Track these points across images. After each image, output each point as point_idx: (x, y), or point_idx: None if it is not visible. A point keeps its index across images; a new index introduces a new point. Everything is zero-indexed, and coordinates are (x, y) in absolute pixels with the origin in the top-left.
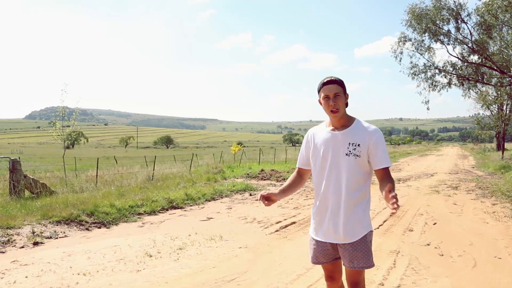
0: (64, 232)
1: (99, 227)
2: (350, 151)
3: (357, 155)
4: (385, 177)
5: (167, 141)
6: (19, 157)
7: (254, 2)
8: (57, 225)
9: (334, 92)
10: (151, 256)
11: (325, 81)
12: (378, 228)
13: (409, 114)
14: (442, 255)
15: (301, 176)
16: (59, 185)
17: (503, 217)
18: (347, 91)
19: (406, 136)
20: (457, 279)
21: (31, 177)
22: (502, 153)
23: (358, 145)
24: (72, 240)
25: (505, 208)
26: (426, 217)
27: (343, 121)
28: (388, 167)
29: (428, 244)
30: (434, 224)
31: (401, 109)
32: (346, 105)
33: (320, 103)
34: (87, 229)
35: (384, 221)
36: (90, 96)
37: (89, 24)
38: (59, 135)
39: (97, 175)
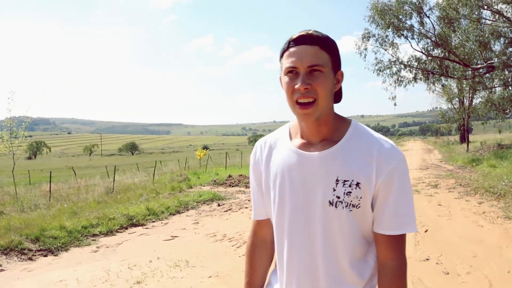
0: (0, 265)
1: (45, 255)
2: (338, 197)
3: (353, 205)
4: (394, 264)
5: (132, 148)
6: None
7: (214, 6)
8: None
9: (308, 63)
10: None
11: (295, 36)
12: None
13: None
14: (448, 274)
15: (264, 239)
16: (8, 203)
17: (496, 219)
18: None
19: None
20: None
21: None
22: (467, 146)
23: (357, 184)
24: (9, 275)
25: (493, 207)
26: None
27: (325, 129)
28: (404, 235)
29: (428, 259)
30: (426, 231)
31: (363, 106)
32: (338, 96)
33: (282, 85)
34: (30, 258)
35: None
36: (53, 104)
37: (51, 31)
38: (7, 147)
39: (50, 190)
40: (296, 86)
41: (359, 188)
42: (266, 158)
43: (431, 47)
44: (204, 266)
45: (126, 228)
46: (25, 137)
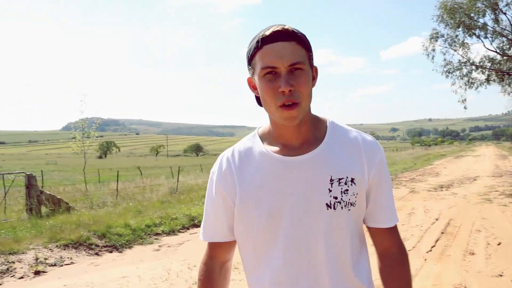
0: (70, 258)
1: (111, 251)
2: (335, 198)
3: (351, 204)
4: (395, 252)
5: (197, 149)
6: (41, 171)
7: (279, 9)
8: (65, 249)
9: (289, 61)
10: None
11: (268, 32)
12: (430, 250)
13: (438, 114)
14: None
15: (225, 266)
16: (79, 199)
17: None
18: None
19: (436, 137)
20: None
21: (47, 192)
22: None
23: (352, 180)
24: (77, 268)
25: None
26: (486, 234)
27: (305, 129)
28: (396, 225)
29: (501, 275)
30: (499, 244)
31: (430, 109)
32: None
33: (253, 88)
34: (96, 253)
35: (436, 241)
36: (122, 106)
37: (121, 35)
38: (79, 147)
39: (117, 189)
40: (281, 89)
41: (355, 184)
42: (238, 172)
43: (507, 46)
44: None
45: (188, 229)
46: (96, 137)
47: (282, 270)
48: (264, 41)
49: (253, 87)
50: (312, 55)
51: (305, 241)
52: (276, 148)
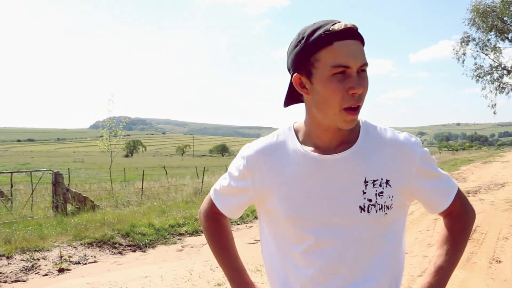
0: (94, 257)
1: (134, 251)
2: (370, 200)
3: (387, 207)
4: (460, 215)
5: (223, 150)
6: (68, 169)
7: (306, 11)
8: (89, 247)
9: (361, 62)
10: None
11: (338, 27)
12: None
13: (467, 119)
14: None
15: (222, 222)
16: (104, 198)
17: None
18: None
19: (465, 141)
20: None
21: (73, 190)
22: None
23: (387, 182)
24: (101, 266)
25: None
26: None
27: (344, 131)
28: (458, 190)
29: None
30: None
31: (459, 114)
32: None
33: (300, 87)
34: (120, 252)
35: None
36: (149, 106)
37: (149, 36)
38: (106, 145)
39: (142, 188)
40: (354, 90)
41: (389, 186)
42: (269, 163)
43: None
44: None
45: None
46: (123, 136)
47: (312, 275)
48: (334, 37)
49: (299, 85)
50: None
51: (336, 246)
52: (310, 147)
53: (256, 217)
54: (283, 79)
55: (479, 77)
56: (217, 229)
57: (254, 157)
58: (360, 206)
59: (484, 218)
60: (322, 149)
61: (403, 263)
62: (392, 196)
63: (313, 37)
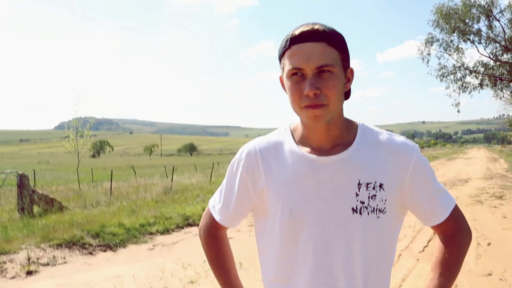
0: (64, 258)
1: (105, 251)
2: (362, 202)
3: (379, 210)
4: (457, 234)
5: (191, 149)
6: (33, 170)
7: (275, 11)
8: (58, 249)
9: (316, 63)
10: None
11: (297, 32)
12: (423, 250)
13: (432, 117)
14: None
15: (222, 239)
16: (72, 199)
17: None
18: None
19: (429, 139)
20: None
21: (40, 191)
22: None
23: (380, 186)
24: (71, 267)
25: None
26: (476, 235)
27: (336, 132)
28: (455, 207)
29: (490, 274)
30: (489, 244)
31: (425, 112)
32: (347, 95)
33: (284, 87)
34: (90, 253)
35: (429, 241)
36: (116, 106)
37: (116, 37)
38: (72, 146)
39: (111, 188)
40: (305, 92)
41: (383, 189)
42: (265, 164)
43: (500, 52)
44: (257, 270)
45: (182, 228)
46: (90, 136)
47: (310, 278)
48: (292, 41)
49: (283, 86)
50: (346, 57)
51: (329, 247)
52: (306, 148)
53: None
54: (251, 78)
55: (443, 76)
56: (217, 249)
57: (251, 157)
58: (352, 208)
59: None
60: (318, 150)
61: (389, 270)
62: (386, 200)
63: (282, 41)
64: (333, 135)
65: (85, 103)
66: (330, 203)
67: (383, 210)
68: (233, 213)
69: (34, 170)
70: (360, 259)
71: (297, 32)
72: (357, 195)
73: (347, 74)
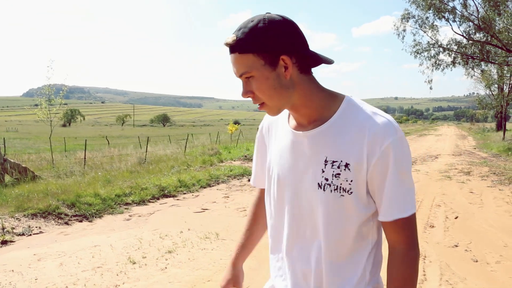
0: (39, 228)
1: (81, 221)
2: (326, 179)
3: (344, 190)
4: (400, 249)
5: (164, 119)
6: (3, 138)
7: None
8: (33, 218)
9: (237, 73)
10: (134, 263)
11: (224, 42)
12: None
13: (404, 93)
14: (477, 261)
15: (254, 211)
16: (45, 168)
17: None
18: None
19: (402, 115)
20: None
21: (12, 160)
22: (504, 134)
23: (346, 165)
24: (47, 237)
25: None
26: (445, 209)
27: (308, 111)
28: (406, 217)
29: (457, 245)
30: (456, 218)
31: (397, 88)
32: (317, 62)
33: None
34: (66, 223)
35: None
36: (87, 74)
37: (87, 3)
38: (45, 114)
39: (85, 158)
40: (244, 92)
41: (349, 169)
42: (267, 137)
43: (473, 31)
44: (233, 240)
45: (158, 199)
46: (62, 104)
47: (287, 241)
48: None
49: None
50: (268, 52)
51: (299, 217)
52: (293, 123)
53: (202, 187)
54: (226, 49)
55: (417, 53)
56: (251, 210)
57: (265, 122)
58: (318, 183)
59: (420, 188)
60: (299, 126)
61: (361, 256)
62: (351, 181)
63: None
64: (305, 113)
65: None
66: (302, 176)
67: (348, 190)
68: (256, 173)
69: (4, 139)
70: (323, 234)
71: (225, 42)
72: (323, 171)
73: (280, 65)
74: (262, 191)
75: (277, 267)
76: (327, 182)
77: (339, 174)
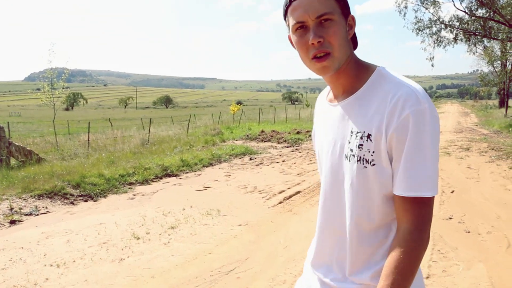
0: (46, 208)
1: (86, 200)
2: (351, 150)
3: (366, 161)
4: (406, 229)
5: (167, 101)
6: (7, 122)
7: None
8: (39, 199)
9: (316, 13)
10: (138, 238)
11: None
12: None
13: (408, 71)
14: (469, 232)
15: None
16: (49, 151)
17: None
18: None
19: None
20: (493, 265)
21: (16, 144)
22: (506, 111)
23: (368, 136)
24: (54, 216)
25: None
26: (442, 183)
27: (345, 80)
28: (424, 198)
29: (451, 218)
30: (452, 192)
31: (401, 66)
32: (355, 44)
33: (293, 45)
34: (72, 203)
35: None
36: (89, 57)
37: (87, 1)
38: (48, 98)
39: (88, 140)
40: (310, 41)
41: (370, 140)
42: (316, 113)
43: (475, 7)
44: (234, 216)
45: (161, 178)
46: (64, 88)
47: (321, 215)
48: None
49: (292, 44)
50: (345, 4)
51: (332, 189)
52: (330, 97)
53: (204, 166)
54: (228, 29)
55: (419, 30)
56: None
57: (316, 111)
58: (345, 154)
59: None
60: (335, 98)
61: (384, 231)
62: (373, 152)
63: (284, 1)
64: (342, 83)
65: (57, 53)
66: (333, 148)
67: (370, 162)
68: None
69: (8, 123)
70: (349, 206)
71: None
72: (349, 142)
73: (348, 21)
74: None
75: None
76: (352, 153)
77: (362, 145)
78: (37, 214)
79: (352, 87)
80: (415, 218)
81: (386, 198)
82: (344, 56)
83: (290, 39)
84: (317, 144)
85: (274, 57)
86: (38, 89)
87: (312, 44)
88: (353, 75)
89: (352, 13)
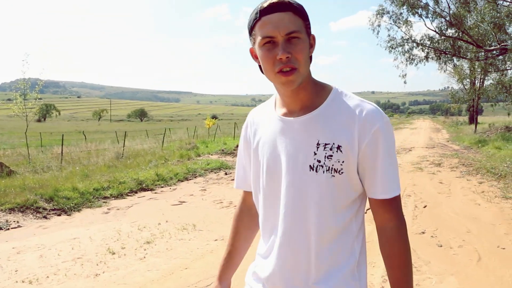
0: (17, 222)
1: (59, 215)
2: (319, 161)
3: (335, 170)
4: (391, 227)
5: (141, 114)
6: None
7: None
8: (10, 213)
9: (286, 30)
10: (113, 253)
11: (265, 4)
12: (365, 212)
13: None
14: (441, 246)
15: (250, 207)
16: (21, 164)
17: (493, 198)
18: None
19: None
20: (464, 278)
21: None
22: (475, 127)
23: (338, 147)
24: (25, 231)
25: (493, 187)
26: (415, 198)
27: (305, 95)
28: (397, 196)
29: (423, 232)
30: (425, 207)
31: (374, 82)
32: (310, 59)
33: (255, 58)
34: (44, 217)
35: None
36: (63, 68)
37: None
38: (20, 109)
39: (62, 153)
40: (278, 56)
41: (341, 151)
42: (253, 129)
43: (445, 27)
44: (210, 230)
45: (136, 192)
46: (37, 99)
47: (281, 225)
48: (262, 13)
49: (255, 57)
50: (309, 24)
51: (296, 201)
52: (282, 111)
53: (179, 180)
54: (204, 42)
55: (392, 48)
56: (232, 223)
57: (248, 124)
58: (310, 165)
59: None
60: (290, 113)
61: (350, 242)
62: (343, 162)
63: (251, 15)
64: (301, 98)
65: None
66: (293, 160)
67: (339, 171)
68: (238, 174)
69: None
70: (315, 215)
71: (265, 5)
72: (315, 154)
73: (310, 40)
74: (246, 194)
75: (265, 248)
76: (320, 164)
77: (331, 155)
78: (8, 229)
79: (311, 103)
80: (396, 214)
81: (349, 203)
82: (306, 73)
83: (252, 52)
84: (264, 156)
85: (250, 71)
86: (9, 100)
87: (280, 59)
88: (312, 91)
89: (325, 30)
